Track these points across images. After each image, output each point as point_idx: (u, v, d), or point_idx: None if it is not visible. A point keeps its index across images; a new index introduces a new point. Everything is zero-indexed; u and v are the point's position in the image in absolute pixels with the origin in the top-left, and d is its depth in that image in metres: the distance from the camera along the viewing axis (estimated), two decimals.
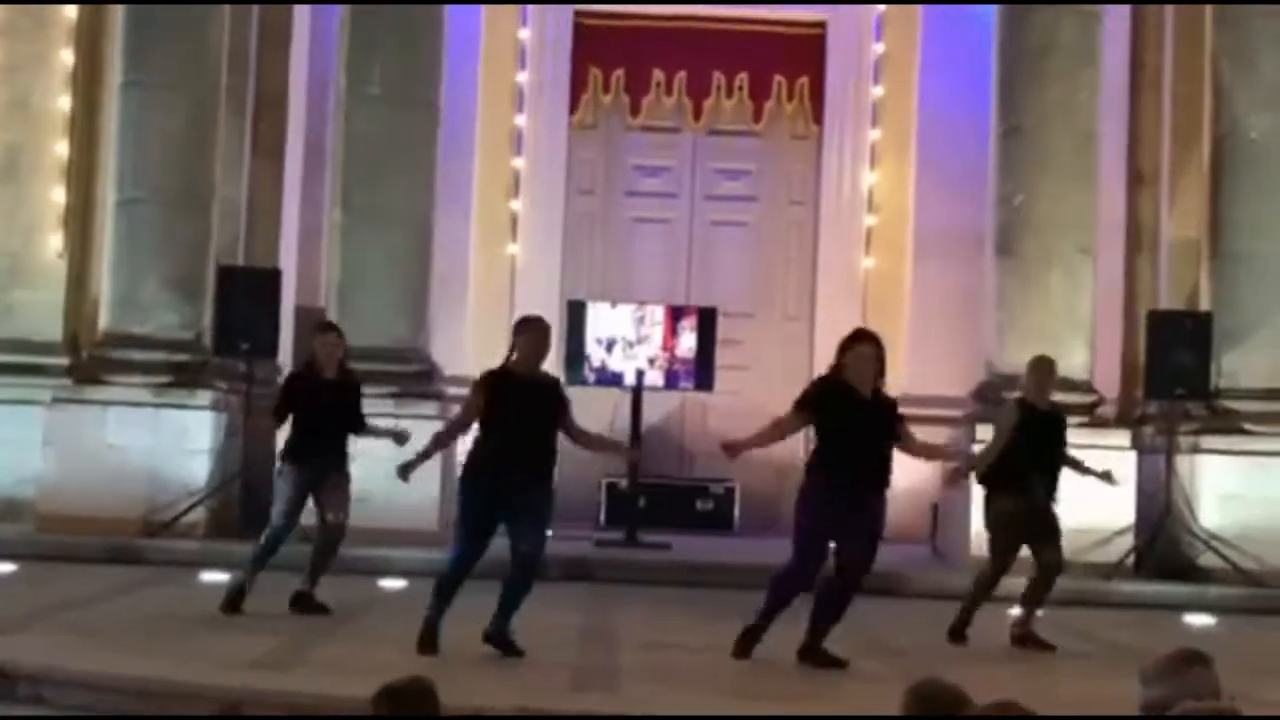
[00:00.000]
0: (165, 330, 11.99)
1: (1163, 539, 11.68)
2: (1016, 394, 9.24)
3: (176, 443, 11.62)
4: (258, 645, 7.62)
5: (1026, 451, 8.57)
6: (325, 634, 8.15)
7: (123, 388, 11.78)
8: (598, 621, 9.26)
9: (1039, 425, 8.68)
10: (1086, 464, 9.00)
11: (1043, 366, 8.99)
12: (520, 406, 7.44)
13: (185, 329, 12.07)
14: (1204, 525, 11.62)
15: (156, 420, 11.63)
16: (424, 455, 7.79)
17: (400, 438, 8.56)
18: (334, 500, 8.72)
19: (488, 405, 7.53)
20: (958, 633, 8.58)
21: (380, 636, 8.08)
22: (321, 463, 8.68)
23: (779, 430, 7.80)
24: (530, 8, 15.01)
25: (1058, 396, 11.72)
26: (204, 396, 11.83)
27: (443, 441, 7.95)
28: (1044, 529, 8.64)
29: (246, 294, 11.89)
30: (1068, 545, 11.13)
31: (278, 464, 8.85)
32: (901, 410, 7.75)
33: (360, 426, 8.87)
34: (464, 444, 7.89)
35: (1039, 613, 8.75)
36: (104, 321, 12.23)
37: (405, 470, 7.68)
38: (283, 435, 9.01)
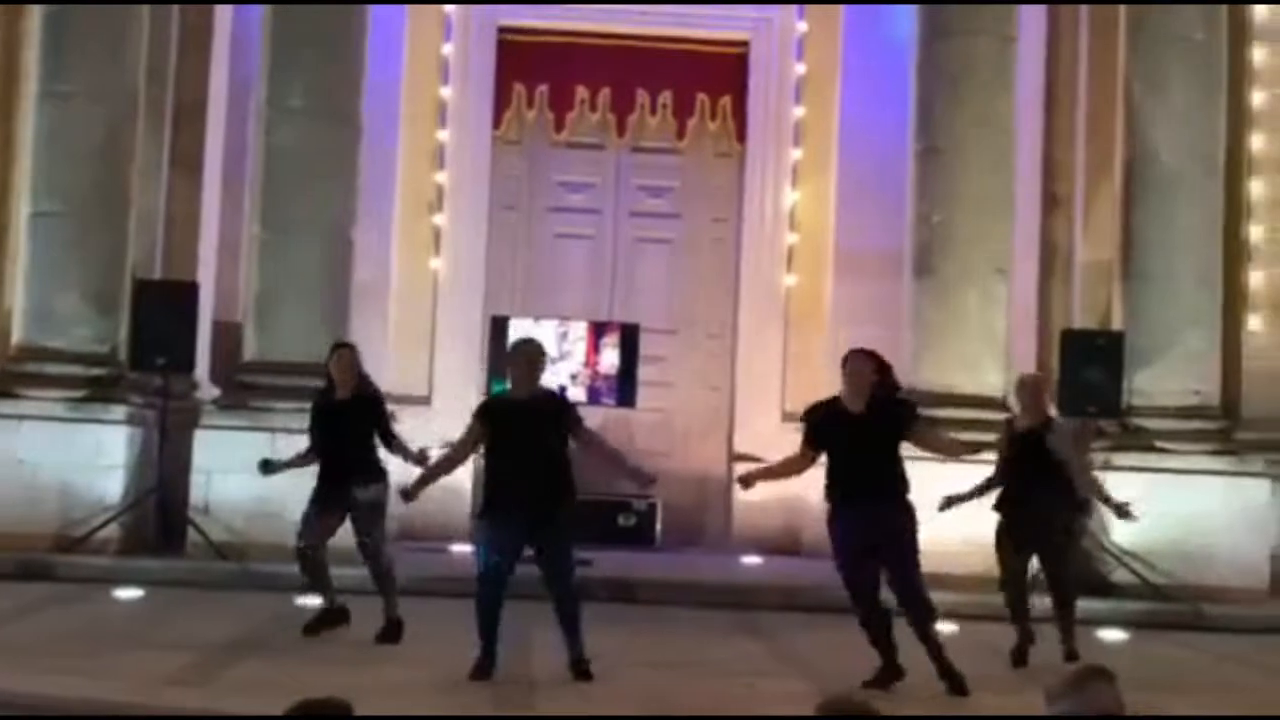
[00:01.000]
0: (80, 344, 11.83)
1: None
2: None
3: (90, 458, 11.46)
4: (173, 663, 7.53)
5: (1007, 471, 8.80)
6: (243, 652, 8.07)
7: (36, 402, 11.60)
8: (518, 638, 9.23)
9: (1018, 444, 8.85)
10: (1106, 491, 9.18)
11: (1019, 386, 9.24)
12: (520, 430, 7.41)
13: (100, 343, 11.91)
14: (1116, 541, 11.80)
15: (70, 435, 11.46)
16: (426, 480, 7.83)
17: (421, 459, 8.48)
18: (360, 522, 8.62)
19: (489, 434, 7.51)
20: (1018, 656, 8.69)
21: (297, 655, 8.02)
22: (342, 482, 8.58)
23: (787, 469, 7.81)
24: (454, 22, 15.00)
25: (975, 414, 11.96)
26: (119, 411, 11.68)
27: (444, 469, 7.88)
28: (1036, 544, 8.80)
29: (163, 307, 11.76)
30: (978, 561, 11.29)
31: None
32: None
33: (385, 441, 8.74)
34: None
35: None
36: (17, 335, 12.04)
37: (409, 495, 7.78)
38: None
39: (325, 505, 8.60)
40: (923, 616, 7.52)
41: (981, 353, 12.14)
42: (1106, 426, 12.34)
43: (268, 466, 8.78)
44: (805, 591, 8.48)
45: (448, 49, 14.97)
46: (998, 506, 8.86)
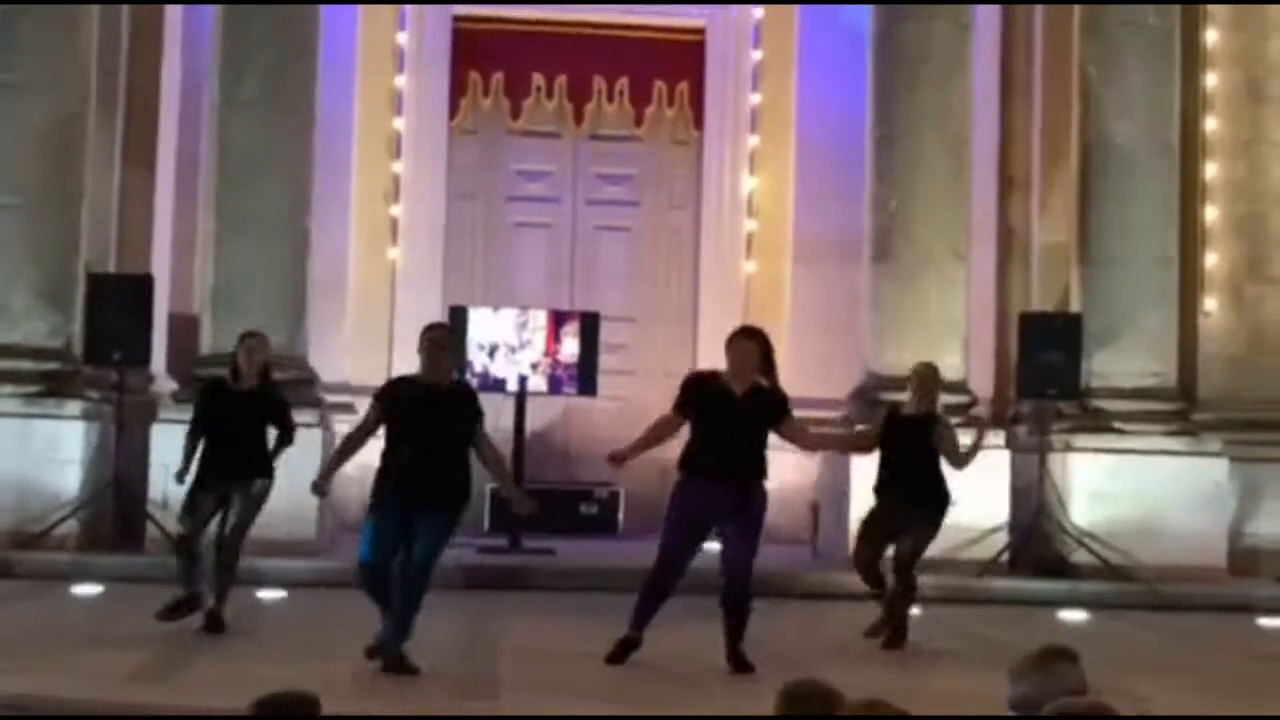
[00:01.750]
0: (34, 338, 11.70)
1: (1036, 536, 11.93)
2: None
3: (46, 453, 11.34)
4: (132, 659, 7.47)
5: (886, 456, 8.88)
6: (201, 647, 8.01)
7: None
8: (481, 628, 9.22)
9: (900, 431, 8.91)
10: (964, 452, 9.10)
11: (911, 374, 9.30)
12: (421, 416, 7.33)
13: (54, 337, 11.79)
14: (1076, 522, 11.89)
15: (25, 431, 11.34)
16: (330, 468, 7.77)
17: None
18: (236, 516, 8.53)
19: (387, 416, 7.43)
20: (894, 637, 8.65)
21: (255, 649, 7.97)
22: (229, 473, 8.53)
23: (657, 434, 7.80)
24: (408, 11, 14.90)
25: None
26: (74, 406, 11.56)
27: (345, 453, 7.72)
28: (902, 526, 8.81)
29: (118, 301, 11.64)
30: (943, 542, 11.34)
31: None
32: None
33: (285, 436, 8.68)
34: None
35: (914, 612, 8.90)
36: None
37: (319, 488, 7.72)
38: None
39: (206, 493, 8.51)
40: (742, 601, 7.60)
41: (941, 337, 12.18)
42: (1065, 408, 12.42)
43: (181, 478, 8.64)
44: (766, 578, 8.56)
45: (402, 37, 14.88)
46: (879, 491, 8.92)
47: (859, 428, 10.63)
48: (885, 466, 8.96)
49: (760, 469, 7.65)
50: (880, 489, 8.97)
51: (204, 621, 8.39)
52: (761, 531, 7.71)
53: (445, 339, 7.70)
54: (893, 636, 8.66)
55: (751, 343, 7.67)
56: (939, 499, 8.89)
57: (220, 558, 8.51)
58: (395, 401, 7.45)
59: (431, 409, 7.37)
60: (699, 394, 7.69)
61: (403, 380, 7.69)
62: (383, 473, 7.43)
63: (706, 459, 7.59)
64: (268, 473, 8.60)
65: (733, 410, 7.57)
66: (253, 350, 8.68)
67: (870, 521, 8.97)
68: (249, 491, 8.51)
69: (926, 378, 9.16)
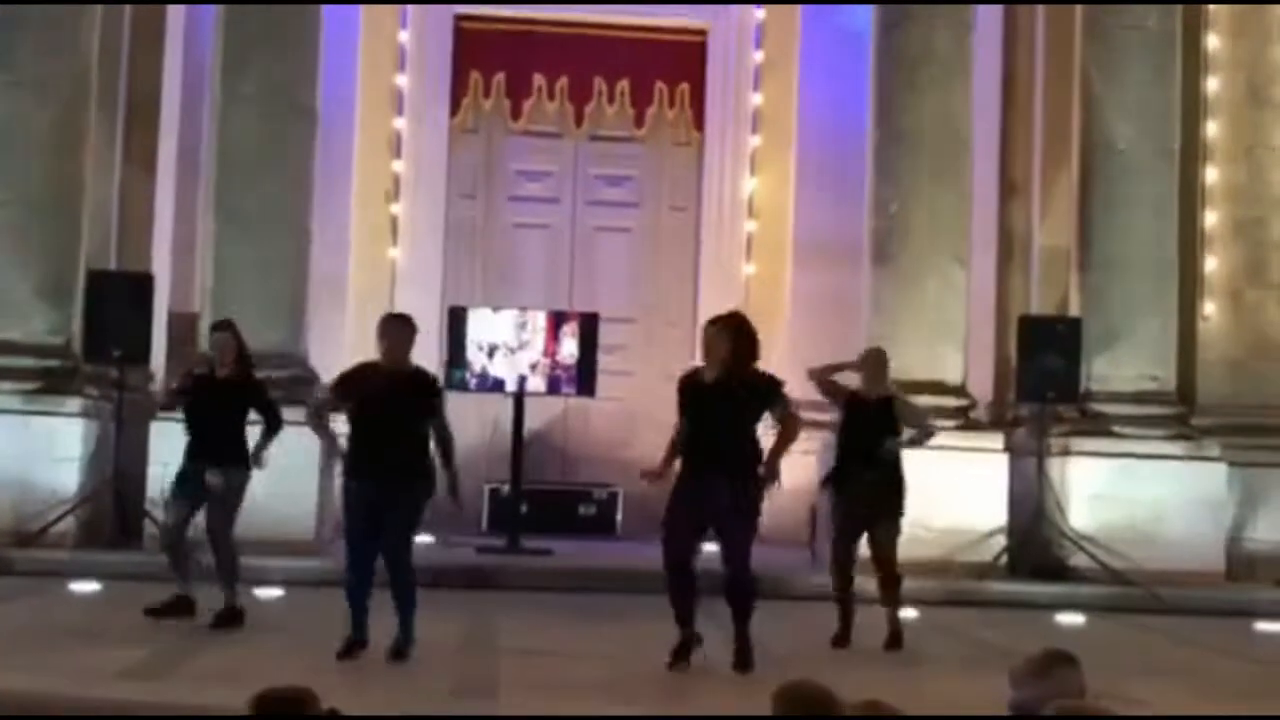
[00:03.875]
0: (34, 336, 11.69)
1: (1035, 539, 11.93)
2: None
3: (46, 451, 11.33)
4: (128, 656, 7.47)
5: (847, 443, 8.87)
6: (199, 644, 8.01)
7: None
8: (478, 629, 9.21)
9: (861, 415, 8.93)
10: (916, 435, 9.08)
11: (862, 359, 9.29)
12: (381, 400, 7.45)
13: (54, 335, 11.78)
14: (1074, 525, 11.89)
15: (25, 428, 11.33)
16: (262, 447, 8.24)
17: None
18: (213, 506, 8.61)
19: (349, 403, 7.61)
20: (895, 638, 8.67)
21: (254, 647, 7.96)
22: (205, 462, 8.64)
23: (674, 445, 7.80)
24: (410, 9, 14.91)
25: (934, 400, 12.03)
26: (74, 404, 11.55)
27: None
28: (873, 515, 8.82)
29: (118, 299, 11.63)
30: (942, 545, 11.33)
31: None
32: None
33: (271, 422, 8.74)
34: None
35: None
36: None
37: (257, 460, 8.16)
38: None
39: (186, 486, 8.60)
40: (744, 592, 7.60)
41: (940, 339, 12.18)
42: (1065, 412, 12.42)
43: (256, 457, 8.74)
44: (765, 580, 8.56)
45: (404, 36, 14.88)
46: (840, 483, 8.88)
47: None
48: (847, 453, 8.89)
49: (745, 456, 7.55)
50: (845, 478, 8.88)
51: (213, 620, 8.41)
52: (755, 520, 7.64)
53: (403, 329, 7.77)
54: (894, 638, 8.66)
55: (714, 328, 7.68)
56: (901, 484, 8.87)
57: (215, 554, 8.54)
58: (358, 388, 7.56)
59: (391, 394, 7.46)
60: (683, 391, 7.74)
61: (365, 366, 7.77)
62: (350, 456, 7.59)
63: (691, 453, 7.63)
64: (243, 462, 8.63)
65: (707, 401, 7.58)
66: (219, 341, 8.82)
67: (847, 515, 8.89)
68: (214, 484, 8.55)
69: (875, 360, 9.14)
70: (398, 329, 7.76)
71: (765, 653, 7.75)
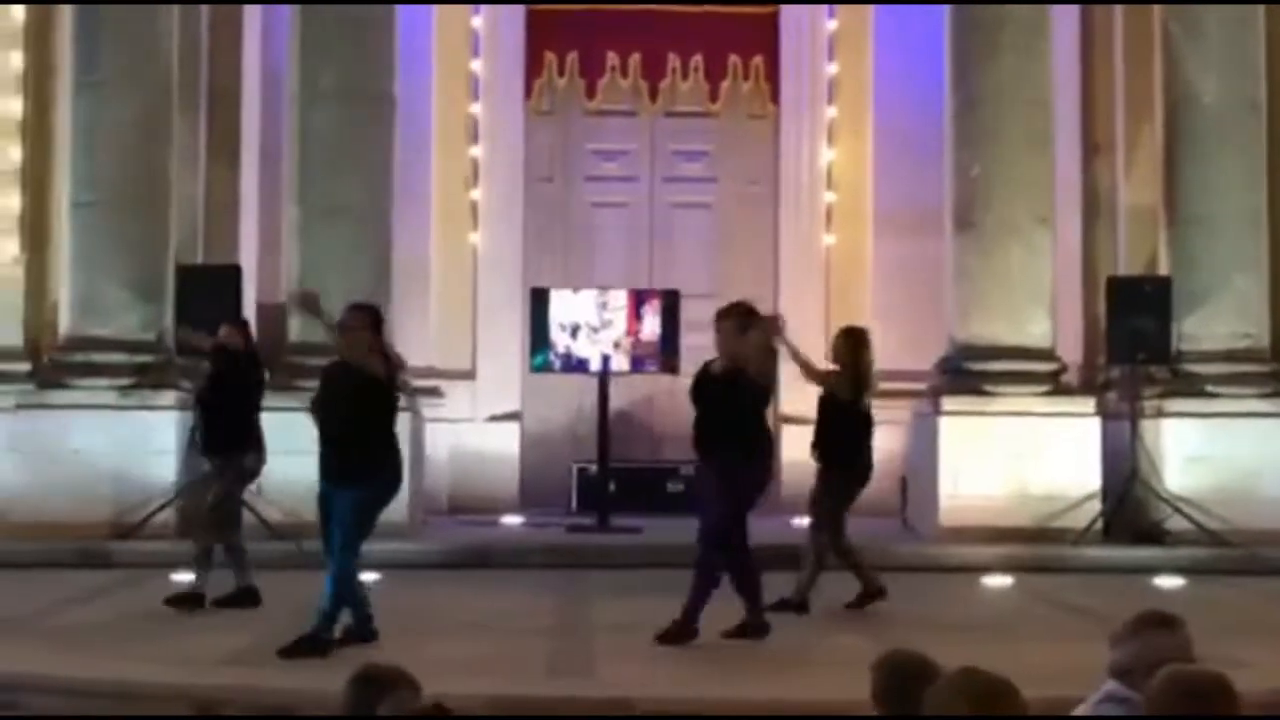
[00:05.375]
0: (126, 332, 11.91)
1: (1130, 503, 11.79)
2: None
3: (142, 444, 11.56)
4: (231, 643, 7.61)
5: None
6: (297, 629, 8.13)
7: (86, 391, 11.70)
8: (571, 607, 9.28)
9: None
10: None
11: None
12: (322, 396, 7.69)
13: (146, 330, 11.99)
14: (1170, 488, 11.73)
15: (121, 422, 11.56)
16: None
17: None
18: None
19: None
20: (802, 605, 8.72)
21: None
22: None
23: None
24: None
25: (1021, 365, 11.92)
26: (168, 397, 11.77)
27: None
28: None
29: (207, 292, 11.79)
30: (1036, 511, 11.23)
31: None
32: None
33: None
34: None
35: None
36: (64, 325, 12.14)
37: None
38: None
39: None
40: (709, 566, 7.81)
41: (1027, 304, 12.05)
42: (1157, 373, 12.24)
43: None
44: (867, 550, 8.59)
45: (477, 21, 14.93)
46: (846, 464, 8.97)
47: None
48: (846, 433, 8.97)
49: (734, 445, 7.79)
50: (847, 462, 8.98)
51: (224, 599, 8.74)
52: (731, 501, 7.86)
53: (355, 319, 7.73)
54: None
55: (729, 317, 8.00)
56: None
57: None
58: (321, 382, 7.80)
59: (330, 387, 7.63)
60: (694, 383, 8.10)
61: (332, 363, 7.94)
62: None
63: (698, 447, 8.02)
64: (255, 446, 8.99)
65: (707, 389, 7.93)
66: (231, 336, 9.26)
67: (844, 499, 8.95)
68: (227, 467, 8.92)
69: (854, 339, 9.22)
70: (352, 320, 7.73)
71: (863, 624, 7.74)
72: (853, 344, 9.15)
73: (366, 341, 7.61)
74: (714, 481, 7.86)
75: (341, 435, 7.52)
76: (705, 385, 7.93)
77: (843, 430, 9.01)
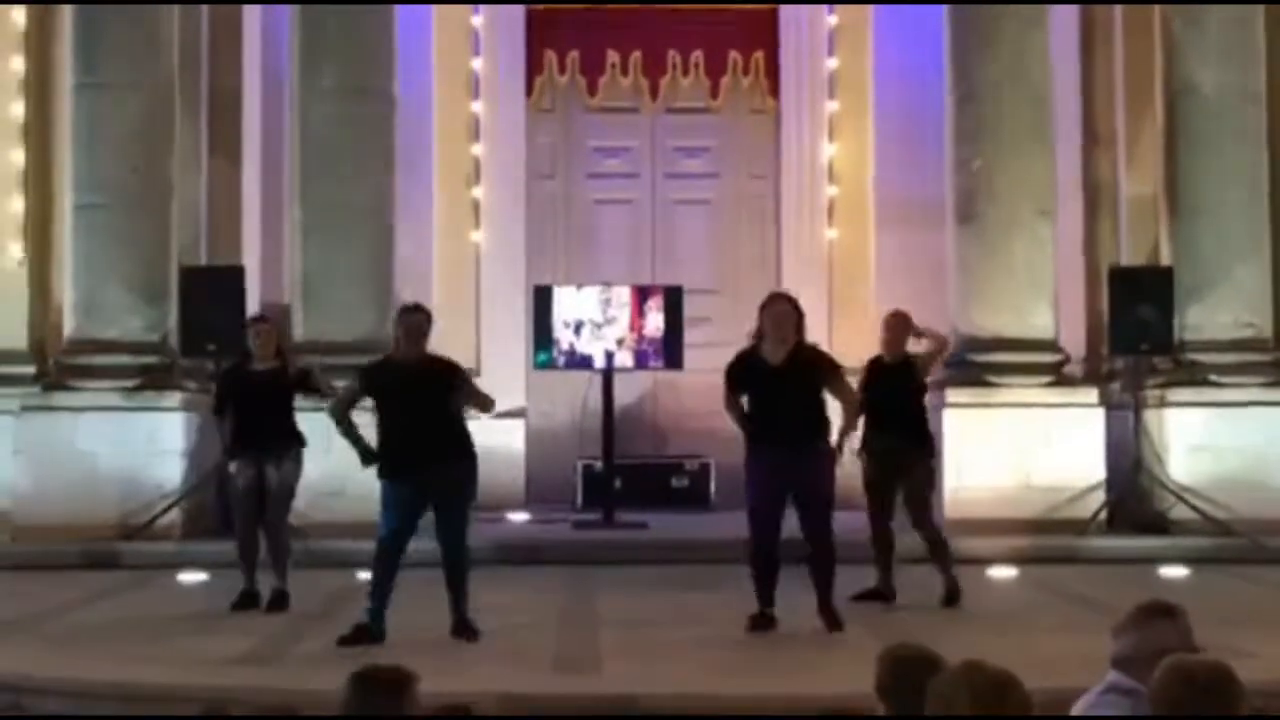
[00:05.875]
0: (130, 333, 11.94)
1: (1134, 493, 11.80)
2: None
3: (148, 445, 11.58)
4: (238, 644, 7.63)
5: (873, 406, 8.74)
6: (306, 629, 8.16)
7: (91, 393, 11.73)
8: (578, 603, 9.29)
9: (885, 378, 8.89)
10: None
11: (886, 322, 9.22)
12: (403, 391, 7.57)
13: (150, 331, 12.02)
14: (1174, 477, 11.74)
15: (127, 424, 11.59)
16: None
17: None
18: (271, 494, 8.87)
19: (371, 395, 7.73)
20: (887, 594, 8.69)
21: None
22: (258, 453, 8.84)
23: (733, 410, 7.99)
24: None
25: (1024, 357, 11.92)
26: (173, 398, 11.80)
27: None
28: (901, 472, 8.82)
29: (211, 293, 11.83)
30: (1041, 502, 11.24)
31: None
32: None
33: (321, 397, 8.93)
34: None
35: None
36: (68, 328, 12.17)
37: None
38: None
39: (240, 473, 8.86)
40: (824, 564, 7.77)
41: (1029, 296, 12.06)
42: (1160, 363, 12.25)
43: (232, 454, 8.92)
44: (858, 545, 8.57)
45: (477, 20, 14.94)
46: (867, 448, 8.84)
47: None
48: (881, 418, 8.79)
49: (816, 431, 7.76)
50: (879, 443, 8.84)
51: (267, 603, 8.66)
52: (827, 489, 7.82)
53: (422, 323, 7.87)
54: (952, 593, 8.65)
55: (788, 305, 7.87)
56: (927, 438, 8.95)
57: (268, 538, 8.79)
58: (374, 384, 7.71)
59: (410, 385, 7.57)
60: (741, 370, 7.88)
61: (381, 363, 7.96)
62: (381, 446, 7.67)
63: (760, 429, 7.78)
64: (295, 453, 8.86)
65: (775, 380, 7.73)
66: (260, 334, 9.04)
67: (881, 484, 8.84)
68: (280, 467, 8.78)
69: (894, 324, 9.10)
70: (409, 320, 7.83)
71: (866, 615, 7.75)
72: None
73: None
74: (800, 470, 7.75)
75: (450, 423, 7.62)
76: (771, 372, 7.78)
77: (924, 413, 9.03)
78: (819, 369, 7.84)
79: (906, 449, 8.83)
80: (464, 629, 7.57)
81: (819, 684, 6.60)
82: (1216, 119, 12.15)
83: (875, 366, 9.06)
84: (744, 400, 7.95)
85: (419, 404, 7.56)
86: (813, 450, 7.73)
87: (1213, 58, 12.18)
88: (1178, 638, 3.56)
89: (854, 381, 8.49)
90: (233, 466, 8.97)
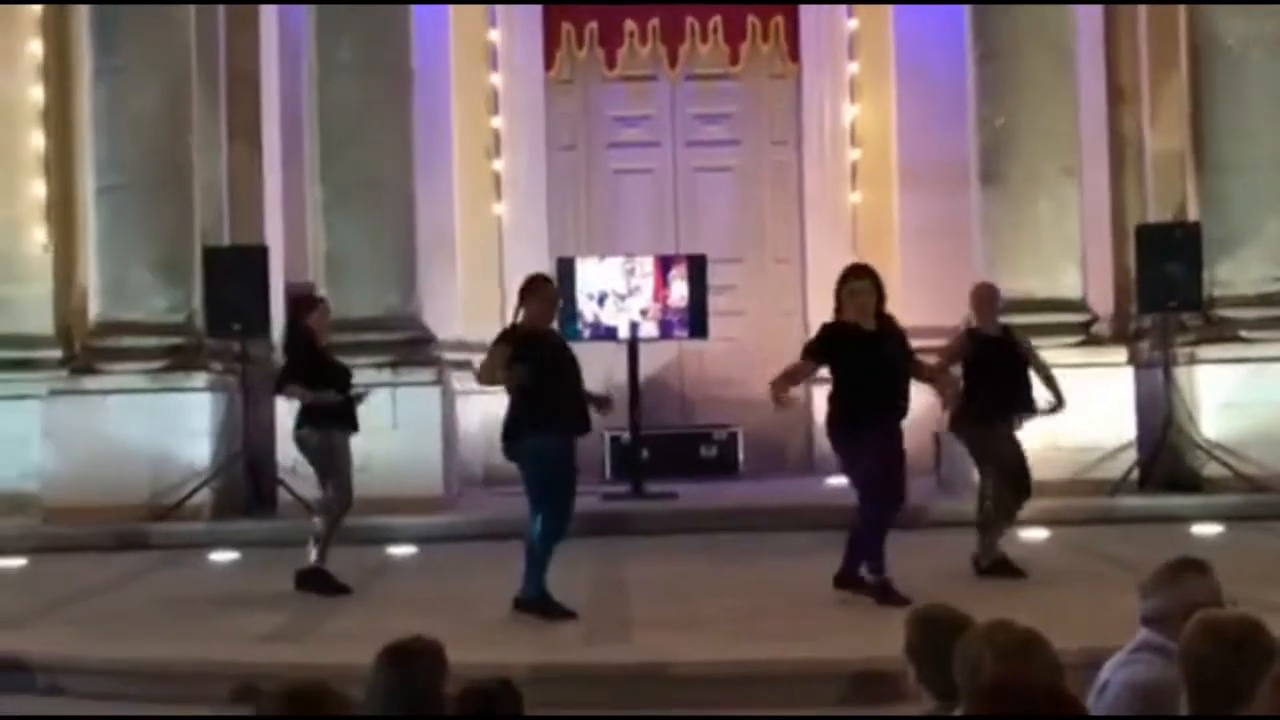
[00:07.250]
0: (156, 315, 11.97)
1: (1165, 451, 11.72)
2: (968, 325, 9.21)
3: (176, 426, 11.62)
4: (270, 620, 7.67)
5: (980, 379, 8.61)
6: (337, 605, 8.19)
7: (118, 375, 11.77)
8: (609, 574, 9.30)
9: (989, 351, 8.76)
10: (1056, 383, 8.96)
11: (978, 293, 9.10)
12: (557, 364, 7.63)
13: (175, 312, 12.05)
14: (1205, 435, 11.65)
15: (154, 405, 11.63)
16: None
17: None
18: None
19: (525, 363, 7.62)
20: (1002, 564, 8.53)
21: (391, 604, 8.12)
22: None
23: (794, 377, 7.95)
24: None
25: (1052, 318, 11.82)
26: (200, 378, 11.83)
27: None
28: (1004, 451, 8.70)
29: (234, 273, 11.86)
30: (1072, 463, 11.15)
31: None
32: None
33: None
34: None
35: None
36: (94, 311, 12.21)
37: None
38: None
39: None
40: (892, 523, 7.90)
41: (1055, 256, 11.96)
42: (1189, 320, 12.15)
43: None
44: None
45: None
46: (981, 417, 8.67)
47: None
48: (990, 388, 8.64)
49: (907, 405, 7.90)
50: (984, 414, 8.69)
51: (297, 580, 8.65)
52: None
53: (556, 295, 8.15)
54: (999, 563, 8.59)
55: (867, 281, 7.84)
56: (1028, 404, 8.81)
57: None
58: (536, 351, 7.64)
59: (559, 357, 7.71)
60: (834, 341, 7.81)
61: (528, 331, 7.81)
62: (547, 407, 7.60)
63: (863, 400, 7.70)
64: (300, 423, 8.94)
65: (872, 348, 7.69)
66: (327, 313, 9.16)
67: (1012, 457, 8.72)
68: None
69: (987, 297, 9.00)
70: (549, 290, 8.02)
71: (900, 579, 7.72)
72: None
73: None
74: (896, 442, 7.90)
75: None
76: (868, 343, 7.77)
77: None
78: (905, 342, 7.92)
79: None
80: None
81: (848, 649, 6.58)
82: (1241, 71, 12.00)
83: (976, 338, 8.89)
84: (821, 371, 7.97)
85: (574, 373, 7.76)
86: (904, 416, 7.83)
87: (1237, 10, 12.03)
88: (1207, 593, 3.53)
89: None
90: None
